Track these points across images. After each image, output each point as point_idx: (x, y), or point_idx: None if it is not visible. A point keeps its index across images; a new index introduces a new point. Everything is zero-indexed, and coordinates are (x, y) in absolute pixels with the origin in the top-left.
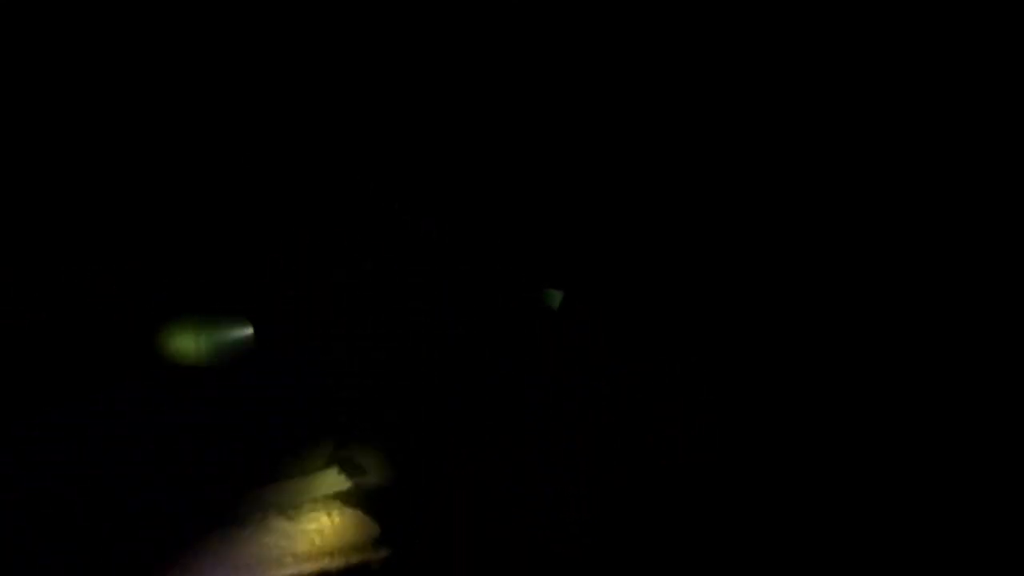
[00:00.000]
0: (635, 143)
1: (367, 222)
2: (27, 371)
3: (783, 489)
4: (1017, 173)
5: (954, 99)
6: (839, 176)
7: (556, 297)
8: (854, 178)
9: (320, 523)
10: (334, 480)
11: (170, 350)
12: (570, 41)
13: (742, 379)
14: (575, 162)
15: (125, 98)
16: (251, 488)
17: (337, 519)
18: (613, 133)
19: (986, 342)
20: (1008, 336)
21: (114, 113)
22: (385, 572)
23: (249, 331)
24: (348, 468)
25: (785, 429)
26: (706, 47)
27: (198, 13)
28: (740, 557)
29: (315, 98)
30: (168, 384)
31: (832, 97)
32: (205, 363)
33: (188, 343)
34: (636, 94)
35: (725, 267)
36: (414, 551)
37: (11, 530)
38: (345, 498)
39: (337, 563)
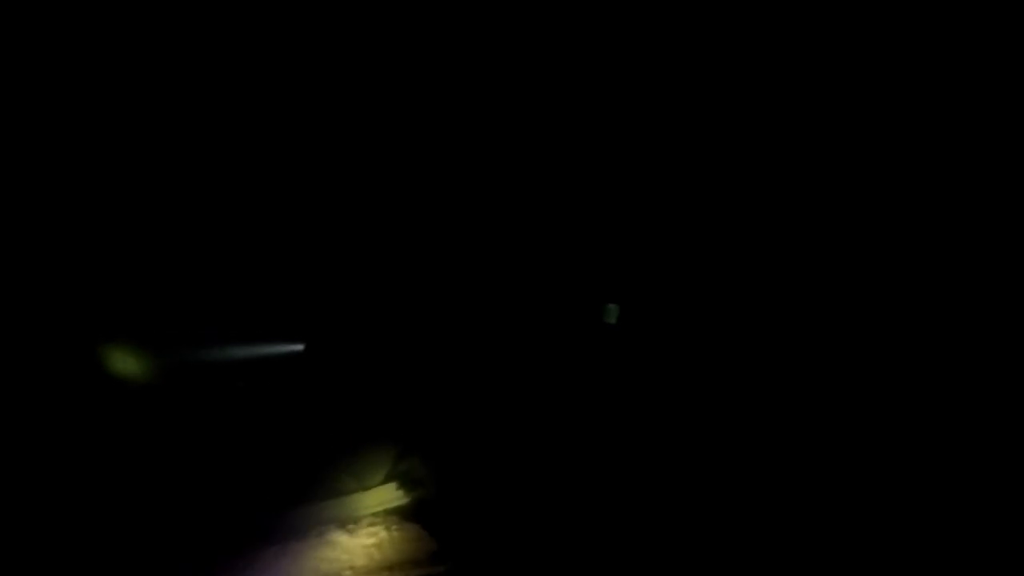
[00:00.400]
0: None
1: (427, 243)
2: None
3: (783, 488)
4: (1017, 173)
5: (954, 99)
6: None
7: (614, 312)
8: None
9: (379, 537)
10: (393, 494)
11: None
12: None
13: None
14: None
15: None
16: (311, 501)
17: (396, 533)
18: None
19: (986, 342)
20: (1008, 336)
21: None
22: None
23: (301, 347)
24: (407, 483)
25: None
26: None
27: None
28: (740, 556)
29: (365, 120)
30: (226, 400)
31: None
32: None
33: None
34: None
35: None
36: (472, 566)
37: (67, 540)
38: (404, 512)
39: None
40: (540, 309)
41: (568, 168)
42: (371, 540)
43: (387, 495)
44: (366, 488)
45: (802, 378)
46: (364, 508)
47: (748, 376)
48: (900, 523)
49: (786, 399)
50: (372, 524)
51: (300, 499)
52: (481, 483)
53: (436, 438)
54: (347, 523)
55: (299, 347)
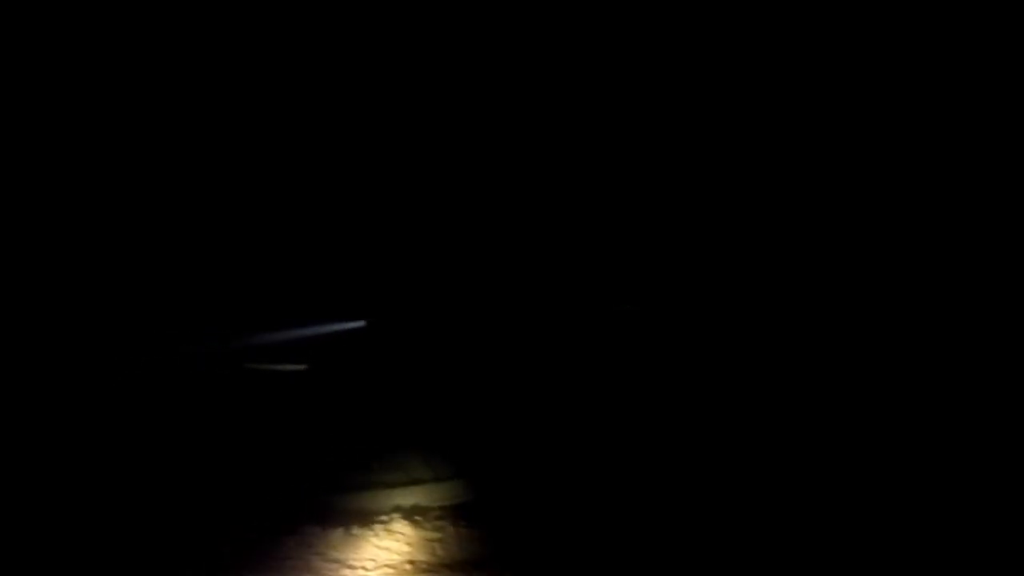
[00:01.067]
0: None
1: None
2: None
3: (783, 488)
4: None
5: (954, 99)
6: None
7: (634, 314)
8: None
9: (445, 532)
10: (463, 490)
11: None
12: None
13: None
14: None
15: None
16: (380, 486)
17: (463, 530)
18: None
19: (986, 342)
20: (1008, 336)
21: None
22: None
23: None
24: (478, 479)
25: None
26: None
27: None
28: (741, 556)
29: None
30: (295, 387)
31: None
32: None
33: None
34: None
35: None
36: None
37: (95, 525)
38: (472, 509)
39: None
40: (589, 304)
41: (598, 173)
42: (436, 535)
43: (459, 489)
44: (439, 480)
45: (803, 377)
46: (434, 500)
47: (753, 374)
48: (900, 523)
49: (788, 398)
50: (440, 518)
51: (369, 483)
52: (557, 487)
53: (517, 435)
54: (414, 514)
55: (360, 324)
